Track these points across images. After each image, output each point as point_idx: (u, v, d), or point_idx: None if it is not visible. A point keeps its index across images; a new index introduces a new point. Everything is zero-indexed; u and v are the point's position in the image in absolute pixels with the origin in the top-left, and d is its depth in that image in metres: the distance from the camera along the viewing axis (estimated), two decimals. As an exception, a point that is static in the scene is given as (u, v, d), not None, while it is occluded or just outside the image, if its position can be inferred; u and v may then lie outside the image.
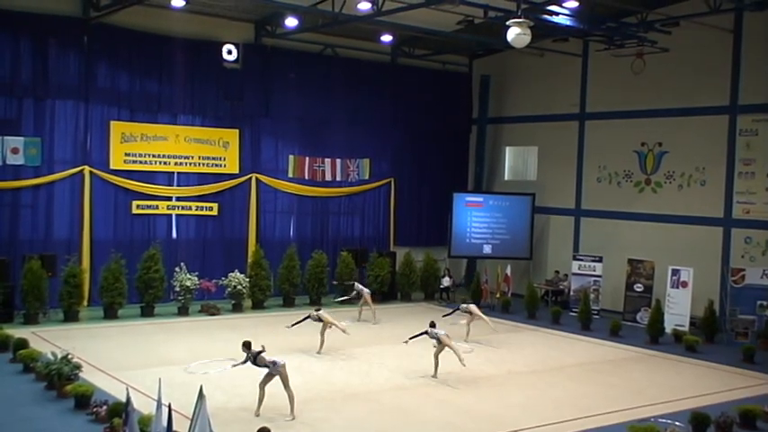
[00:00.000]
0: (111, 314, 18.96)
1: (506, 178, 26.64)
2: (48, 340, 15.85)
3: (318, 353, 16.00)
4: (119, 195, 20.57)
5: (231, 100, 22.16)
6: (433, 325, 14.75)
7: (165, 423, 7.89)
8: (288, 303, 21.56)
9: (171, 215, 21.47)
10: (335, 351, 16.17)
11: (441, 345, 14.42)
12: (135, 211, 20.78)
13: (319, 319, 15.86)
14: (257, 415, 11.71)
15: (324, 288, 22.23)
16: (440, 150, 26.15)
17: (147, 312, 19.49)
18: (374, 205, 25.10)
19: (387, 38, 22.80)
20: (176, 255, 20.94)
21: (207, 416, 7.73)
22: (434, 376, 14.44)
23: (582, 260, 22.35)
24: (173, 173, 21.42)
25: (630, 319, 20.79)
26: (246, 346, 12.14)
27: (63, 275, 18.38)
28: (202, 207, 21.77)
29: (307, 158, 23.54)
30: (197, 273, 20.28)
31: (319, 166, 23.76)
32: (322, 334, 16.11)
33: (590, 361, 16.56)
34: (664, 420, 11.74)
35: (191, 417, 7.92)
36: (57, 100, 19.53)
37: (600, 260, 21.97)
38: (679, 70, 21.46)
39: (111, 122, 20.37)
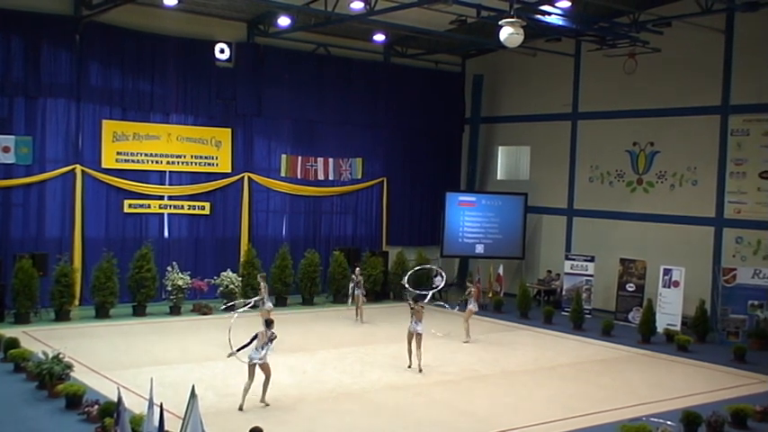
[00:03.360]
0: (102, 313, 18.90)
1: (499, 178, 26.68)
2: (39, 340, 15.80)
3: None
4: (110, 194, 20.51)
5: (224, 99, 22.14)
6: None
7: (156, 423, 7.86)
8: (280, 303, 21.51)
9: (163, 214, 21.41)
10: (328, 350, 16.16)
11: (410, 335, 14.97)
12: (127, 210, 20.73)
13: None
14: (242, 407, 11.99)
15: (316, 288, 22.21)
16: (432, 150, 26.19)
17: (138, 312, 19.44)
18: (367, 205, 25.10)
19: (379, 37, 22.85)
20: (168, 254, 20.92)
21: (199, 415, 7.70)
22: (409, 366, 14.97)
23: (574, 260, 22.39)
24: (165, 172, 21.37)
25: (622, 318, 20.84)
26: (268, 323, 12.47)
27: (54, 275, 18.32)
28: (195, 206, 21.73)
29: (299, 158, 23.52)
30: (189, 272, 20.27)
31: (312, 166, 23.75)
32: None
33: (582, 360, 16.60)
34: (655, 420, 11.77)
35: (182, 416, 7.89)
36: (48, 98, 19.46)
37: (592, 260, 22.02)
38: (671, 70, 21.54)
39: (103, 121, 20.32)
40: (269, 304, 16.54)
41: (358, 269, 20.82)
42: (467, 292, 18.56)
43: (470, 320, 18.23)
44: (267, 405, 12.27)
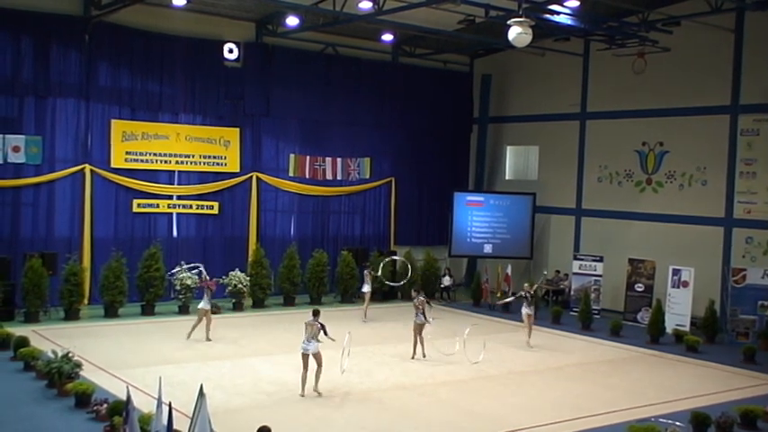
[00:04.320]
0: (111, 313, 18.97)
1: (507, 178, 26.65)
2: (48, 338, 15.85)
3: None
4: (119, 194, 20.58)
5: (232, 99, 22.18)
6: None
7: (165, 422, 7.89)
8: (288, 302, 21.58)
9: (172, 214, 21.48)
10: (336, 350, 16.15)
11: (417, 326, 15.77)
12: (136, 209, 20.80)
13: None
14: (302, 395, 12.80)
15: (324, 287, 22.24)
16: (441, 150, 26.18)
17: (147, 311, 19.50)
18: (375, 204, 25.12)
19: (388, 37, 22.85)
20: (177, 253, 20.96)
21: (207, 414, 7.72)
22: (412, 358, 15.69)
23: (583, 260, 22.35)
24: (173, 171, 21.43)
25: (631, 318, 20.79)
26: (315, 313, 13.13)
27: (64, 274, 18.39)
28: (203, 206, 21.78)
29: (307, 157, 23.55)
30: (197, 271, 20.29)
31: (320, 165, 23.77)
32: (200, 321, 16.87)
33: (590, 361, 16.57)
34: (664, 420, 11.74)
35: (191, 415, 7.91)
36: (58, 98, 19.55)
37: (600, 260, 21.97)
38: (680, 70, 21.47)
39: (112, 121, 20.39)
40: (204, 304, 16.82)
41: (371, 266, 21.08)
42: (518, 295, 18.09)
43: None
44: (320, 394, 12.78)
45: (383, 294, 22.68)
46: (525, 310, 17.63)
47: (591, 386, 14.37)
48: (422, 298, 16.06)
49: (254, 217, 22.60)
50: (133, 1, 18.38)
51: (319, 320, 12.95)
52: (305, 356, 12.92)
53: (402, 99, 25.15)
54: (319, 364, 12.96)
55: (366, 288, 20.30)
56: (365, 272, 20.70)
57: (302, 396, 12.76)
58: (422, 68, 25.68)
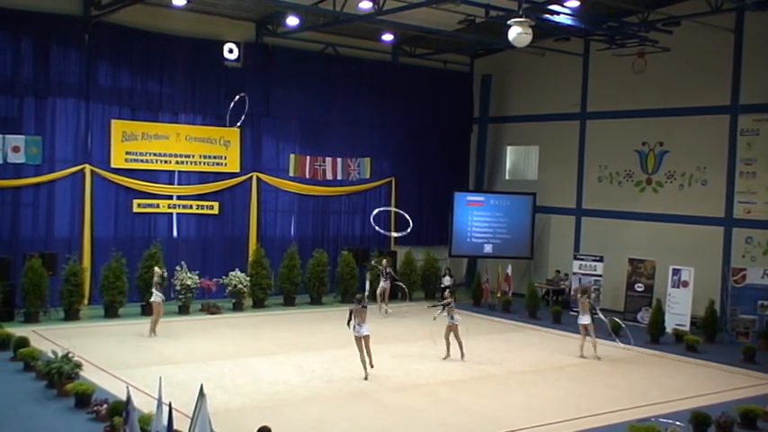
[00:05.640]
0: (111, 313, 18.97)
1: (507, 178, 26.65)
2: (48, 339, 15.85)
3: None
4: (119, 194, 20.58)
5: (232, 99, 22.13)
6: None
7: (165, 422, 7.89)
8: (288, 302, 21.58)
9: (172, 214, 21.48)
10: (336, 349, 16.17)
11: (449, 329, 15.69)
12: (136, 209, 20.79)
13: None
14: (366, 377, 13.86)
15: (324, 287, 22.24)
16: (441, 150, 26.17)
17: (147, 311, 19.36)
18: (375, 204, 24.96)
19: (388, 37, 22.85)
20: (177, 254, 20.95)
21: (207, 415, 7.72)
22: (446, 357, 15.81)
23: (583, 260, 22.34)
24: (174, 171, 21.43)
25: (631, 318, 20.79)
26: (358, 301, 14.17)
27: (64, 274, 18.39)
28: (203, 206, 21.78)
29: (308, 157, 23.54)
30: (198, 271, 20.29)
31: (320, 165, 23.76)
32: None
33: (590, 361, 16.55)
34: (664, 420, 11.74)
35: (191, 415, 7.91)
36: (58, 98, 19.53)
37: (601, 260, 21.96)
38: (680, 70, 21.46)
39: (112, 121, 20.38)
40: (156, 296, 17.05)
41: (385, 261, 21.43)
42: (582, 304, 17.07)
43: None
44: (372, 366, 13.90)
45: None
46: (583, 321, 16.84)
47: (591, 386, 14.38)
48: (450, 300, 16.14)
49: (254, 217, 22.60)
50: (133, 1, 18.36)
51: (364, 303, 14.04)
52: (358, 339, 13.90)
53: (402, 99, 25.14)
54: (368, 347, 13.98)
55: (383, 284, 20.96)
56: (381, 269, 21.23)
57: (366, 379, 13.79)
58: (422, 68, 25.68)
